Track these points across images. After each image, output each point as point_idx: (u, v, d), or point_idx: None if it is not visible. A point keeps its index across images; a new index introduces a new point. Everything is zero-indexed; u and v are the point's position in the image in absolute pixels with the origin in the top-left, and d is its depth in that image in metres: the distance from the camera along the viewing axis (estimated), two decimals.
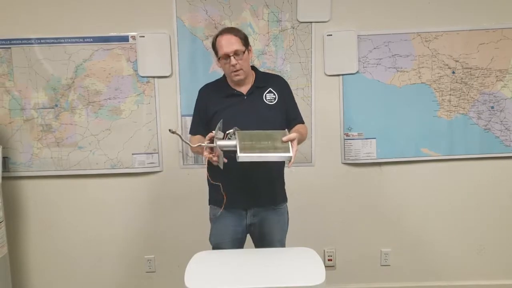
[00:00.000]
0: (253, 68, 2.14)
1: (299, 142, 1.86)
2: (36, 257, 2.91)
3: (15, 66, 2.72)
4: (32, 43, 2.71)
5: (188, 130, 2.21)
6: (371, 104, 2.79)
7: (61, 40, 2.72)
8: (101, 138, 2.78)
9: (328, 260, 2.96)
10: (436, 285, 2.97)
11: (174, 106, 2.79)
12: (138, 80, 2.76)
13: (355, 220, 2.92)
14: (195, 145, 1.82)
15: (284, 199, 2.19)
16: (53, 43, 2.72)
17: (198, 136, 2.05)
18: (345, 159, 2.86)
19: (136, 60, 2.73)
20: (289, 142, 1.75)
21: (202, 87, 2.16)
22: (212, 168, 1.89)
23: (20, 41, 2.71)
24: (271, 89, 2.07)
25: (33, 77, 2.74)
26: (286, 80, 2.22)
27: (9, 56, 2.71)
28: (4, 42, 2.71)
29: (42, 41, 2.71)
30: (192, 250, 1.81)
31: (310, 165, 2.85)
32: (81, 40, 2.72)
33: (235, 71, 1.99)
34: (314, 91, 2.79)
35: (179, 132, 1.97)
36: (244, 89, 2.06)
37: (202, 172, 2.10)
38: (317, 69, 2.78)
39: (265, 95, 2.05)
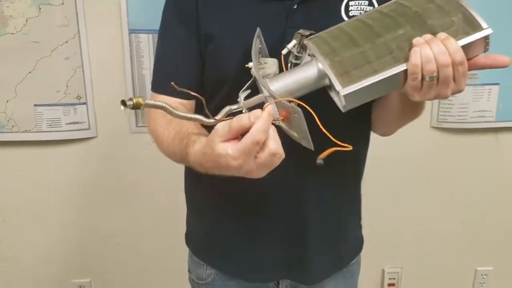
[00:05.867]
0: None
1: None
2: None
3: None
4: None
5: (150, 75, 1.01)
6: (499, 16, 1.53)
7: None
8: None
9: (389, 286, 1.86)
10: None
11: (116, 11, 1.49)
12: None
13: (439, 221, 1.83)
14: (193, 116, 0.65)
15: (361, 243, 1.07)
16: None
17: (169, 100, 0.84)
18: (438, 121, 1.68)
19: None
20: None
21: None
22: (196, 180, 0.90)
23: None
24: None
25: None
26: None
27: None
28: None
29: None
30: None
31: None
32: None
33: None
34: None
35: (145, 100, 0.55)
36: None
37: None
38: None
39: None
